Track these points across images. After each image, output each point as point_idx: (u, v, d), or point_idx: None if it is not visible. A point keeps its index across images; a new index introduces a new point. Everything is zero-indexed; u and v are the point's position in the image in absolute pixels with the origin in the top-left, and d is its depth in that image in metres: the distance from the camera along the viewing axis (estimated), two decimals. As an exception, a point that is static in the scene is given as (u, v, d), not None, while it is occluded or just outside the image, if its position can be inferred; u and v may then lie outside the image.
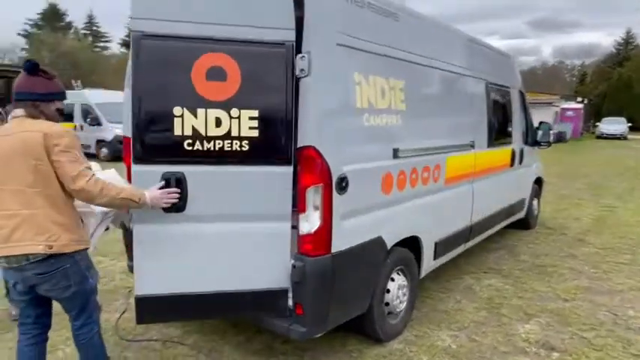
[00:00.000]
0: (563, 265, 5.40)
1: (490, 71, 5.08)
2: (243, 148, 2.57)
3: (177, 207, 2.57)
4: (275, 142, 2.65)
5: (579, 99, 38.52)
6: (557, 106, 33.42)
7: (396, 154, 3.34)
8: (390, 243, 3.35)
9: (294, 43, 2.63)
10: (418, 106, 3.65)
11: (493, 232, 5.73)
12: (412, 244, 3.77)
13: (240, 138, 2.56)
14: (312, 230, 2.72)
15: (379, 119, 3.16)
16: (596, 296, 4.47)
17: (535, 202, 7.09)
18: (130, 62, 2.64)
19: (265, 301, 2.77)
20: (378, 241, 3.22)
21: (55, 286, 2.34)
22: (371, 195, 3.14)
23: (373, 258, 3.20)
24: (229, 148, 2.55)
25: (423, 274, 4.01)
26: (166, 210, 2.56)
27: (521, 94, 6.36)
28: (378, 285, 3.31)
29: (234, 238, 2.69)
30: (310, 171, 2.69)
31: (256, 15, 2.57)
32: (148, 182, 2.51)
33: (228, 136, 2.53)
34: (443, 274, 5.03)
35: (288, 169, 2.69)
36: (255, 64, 2.56)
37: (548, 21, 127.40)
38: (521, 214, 6.57)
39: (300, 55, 2.64)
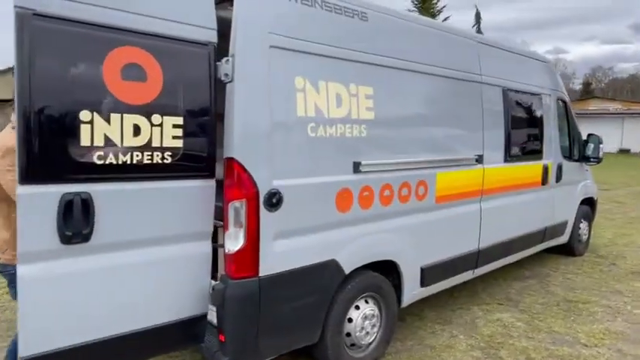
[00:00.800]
0: (600, 302, 4.61)
1: (511, 76, 4.50)
2: (166, 161, 2.34)
3: (83, 236, 2.13)
4: (199, 154, 2.45)
5: (681, 109, 34.21)
6: (653, 117, 29.92)
7: (357, 168, 2.99)
8: (349, 267, 3.00)
9: (216, 45, 2.43)
10: (393, 116, 3.27)
11: (520, 258, 5.06)
12: (389, 268, 3.38)
13: (162, 149, 2.32)
14: (235, 250, 2.48)
15: (332, 129, 2.84)
16: (627, 345, 3.72)
17: (583, 225, 6.20)
18: (15, 49, 1.99)
19: (187, 331, 2.54)
20: (331, 265, 2.89)
21: None
22: (319, 213, 2.82)
23: (322, 283, 2.87)
24: (149, 161, 2.28)
25: (406, 302, 3.58)
26: (65, 241, 2.10)
27: (563, 103, 5.61)
28: (332, 313, 2.97)
29: (149, 266, 2.35)
30: (232, 185, 2.46)
31: (179, 8, 2.34)
32: (39, 208, 2.03)
33: (148, 146, 2.28)
34: (449, 303, 4.50)
35: (210, 183, 2.48)
36: (178, 64, 2.34)
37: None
38: (562, 239, 5.76)
39: (224, 59, 2.43)
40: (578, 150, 5.88)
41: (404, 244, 3.42)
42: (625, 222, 8.57)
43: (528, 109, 4.82)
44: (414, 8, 28.42)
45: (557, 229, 5.52)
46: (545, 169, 5.05)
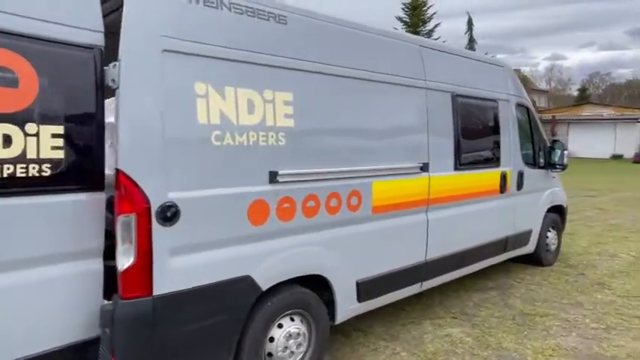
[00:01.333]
0: (558, 315, 4.42)
1: (461, 82, 4.35)
2: (44, 173, 2.19)
3: None
4: (85, 165, 2.29)
5: (677, 114, 34.16)
6: (646, 123, 29.83)
7: (274, 178, 2.84)
8: (267, 283, 2.83)
9: (103, 49, 2.29)
10: (318, 123, 3.11)
11: (478, 269, 4.88)
12: (320, 283, 3.21)
13: (39, 160, 2.17)
14: (124, 267, 2.31)
15: (243, 138, 2.69)
16: (575, 362, 3.54)
17: (552, 234, 6.03)
18: None
19: (78, 356, 2.36)
20: (244, 281, 2.72)
21: None
22: (227, 227, 2.65)
23: (233, 301, 2.70)
24: (24, 174, 2.12)
25: (341, 318, 3.40)
26: None
27: (524, 109, 5.47)
28: (248, 333, 2.80)
29: (29, 289, 2.16)
30: (121, 199, 2.29)
31: (58, 8, 2.18)
32: None
33: (22, 158, 2.12)
34: (401, 317, 4.32)
35: (99, 196, 2.33)
36: (57, 68, 2.20)
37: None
38: (527, 249, 5.59)
39: (112, 64, 2.29)
40: (544, 157, 5.73)
41: (335, 257, 3.25)
42: (603, 229, 8.39)
43: (482, 116, 4.68)
44: (405, 16, 28.45)
45: (520, 239, 5.35)
46: (504, 177, 4.89)
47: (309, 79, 3.06)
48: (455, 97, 4.24)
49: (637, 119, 30.34)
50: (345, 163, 3.27)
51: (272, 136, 2.83)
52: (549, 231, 5.99)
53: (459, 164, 4.27)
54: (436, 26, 28.29)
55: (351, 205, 3.32)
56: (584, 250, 6.86)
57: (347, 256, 3.33)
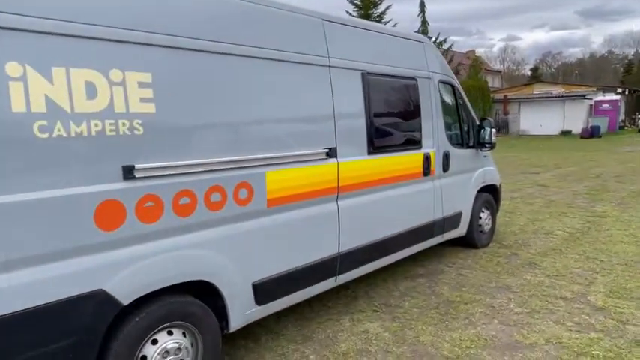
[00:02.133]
0: (483, 301, 4.24)
1: (373, 59, 4.03)
2: None
3: None
4: None
5: (619, 90, 35.57)
6: (591, 99, 30.87)
7: (130, 174, 2.42)
8: (129, 296, 2.44)
9: None
10: (190, 108, 2.71)
11: (404, 256, 4.65)
12: (207, 289, 2.85)
13: None
14: None
15: (82, 127, 2.25)
16: (492, 352, 3.34)
17: (485, 215, 5.89)
18: None
19: None
20: (95, 297, 2.31)
21: None
22: (66, 235, 2.23)
23: (82, 320, 2.29)
24: None
25: (237, 325, 3.06)
26: None
27: (450, 87, 5.23)
28: (110, 354, 2.41)
29: None
30: None
31: None
32: None
33: None
34: (320, 314, 4.03)
35: None
36: None
37: (598, 10, 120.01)
38: (458, 231, 5.41)
39: None
40: (473, 136, 5.54)
41: (222, 259, 2.88)
42: (542, 206, 8.41)
43: (399, 95, 4.39)
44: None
45: (450, 222, 5.15)
46: (427, 159, 4.64)
47: (176, 57, 2.64)
48: (366, 75, 3.92)
49: (584, 96, 31.33)
50: (228, 152, 2.89)
51: (124, 125, 2.40)
52: (482, 212, 5.84)
53: (373, 148, 3.98)
54: (387, 8, 28.11)
55: (239, 200, 2.96)
56: (521, 229, 6.80)
57: (238, 256, 2.98)
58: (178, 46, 2.65)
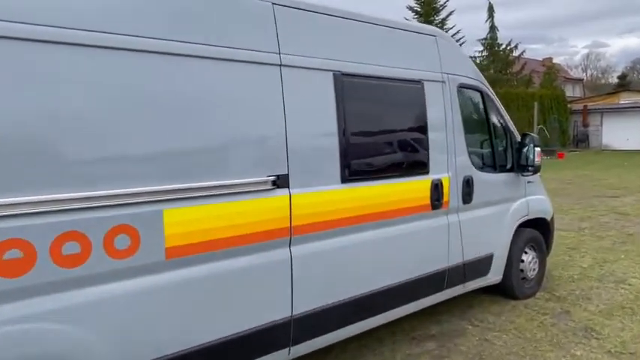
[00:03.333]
0: (506, 388, 3.05)
1: (352, 55, 3.04)
2: None
3: None
4: None
5: None
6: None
7: None
8: None
9: None
10: (44, 120, 1.92)
11: (400, 316, 3.54)
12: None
13: None
14: None
15: None
16: None
17: (529, 256, 4.58)
18: None
19: None
20: None
21: None
22: None
23: None
24: None
25: None
26: None
27: (478, 94, 4.08)
28: None
29: None
30: None
31: None
32: None
33: None
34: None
35: None
36: None
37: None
38: (489, 279, 4.19)
39: None
40: (511, 156, 4.31)
41: (82, 335, 2.04)
42: (617, 242, 6.77)
43: (394, 103, 3.33)
44: (416, 5, 26.78)
45: (473, 268, 3.96)
46: (437, 187, 3.52)
47: (18, 53, 1.87)
48: (340, 77, 2.94)
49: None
50: (95, 185, 2.05)
51: None
52: (525, 253, 4.55)
53: (350, 174, 2.97)
54: (450, 14, 26.49)
55: (114, 250, 2.10)
56: (582, 274, 5.33)
57: (114, 330, 2.12)
58: (42, 38, 1.90)
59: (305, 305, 2.79)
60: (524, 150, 4.21)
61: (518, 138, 4.34)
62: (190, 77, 2.34)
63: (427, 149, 3.48)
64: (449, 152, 3.67)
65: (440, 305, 4.01)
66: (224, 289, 2.47)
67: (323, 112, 2.88)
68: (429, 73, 3.55)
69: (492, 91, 4.26)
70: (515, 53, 31.53)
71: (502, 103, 4.39)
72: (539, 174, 4.77)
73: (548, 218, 4.81)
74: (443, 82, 3.67)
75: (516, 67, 31.87)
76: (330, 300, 2.92)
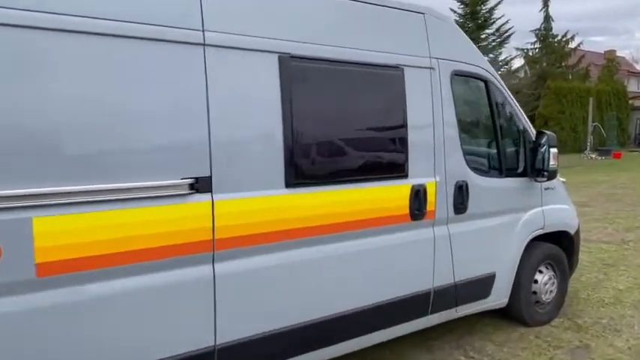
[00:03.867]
0: None
1: (311, 36, 2.54)
2: None
3: None
4: None
5: None
6: None
7: None
8: None
9: None
10: None
11: (371, 344, 3.00)
12: None
13: None
14: None
15: None
16: None
17: (545, 277, 3.87)
18: None
19: None
20: None
21: None
22: None
23: None
24: None
25: None
26: None
27: (479, 83, 3.44)
28: None
29: None
30: None
31: None
32: None
33: None
34: None
35: None
36: None
37: None
38: (489, 303, 3.54)
39: None
40: (524, 158, 3.63)
41: None
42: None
43: (363, 92, 2.76)
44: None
45: (468, 289, 3.34)
46: (417, 194, 2.94)
47: None
48: (288, 60, 2.44)
49: None
50: None
51: None
52: (539, 272, 3.86)
53: (297, 177, 2.47)
54: (498, 3, 24.90)
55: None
56: (616, 297, 4.52)
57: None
58: None
59: (231, 333, 2.33)
60: (540, 151, 3.52)
61: (532, 136, 3.65)
62: (76, 55, 1.93)
63: (405, 149, 2.90)
64: (436, 153, 3.07)
65: (435, 328, 3.44)
66: (119, 313, 2.05)
67: (263, 103, 2.39)
68: (411, 57, 2.96)
69: (502, 81, 3.58)
70: (572, 45, 29.35)
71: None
72: (561, 179, 4.05)
73: (572, 232, 4.07)
74: (431, 68, 3.06)
75: (573, 60, 29.65)
76: (268, 327, 2.44)
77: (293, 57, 2.46)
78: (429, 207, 3.03)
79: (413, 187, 2.93)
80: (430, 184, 3.03)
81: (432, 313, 3.18)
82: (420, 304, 3.10)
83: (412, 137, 2.93)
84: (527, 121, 3.72)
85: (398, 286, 2.96)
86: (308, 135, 2.53)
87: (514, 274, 3.63)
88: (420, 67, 3.00)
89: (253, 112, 2.37)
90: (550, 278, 3.92)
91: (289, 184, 2.45)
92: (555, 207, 3.91)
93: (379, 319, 2.89)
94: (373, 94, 2.81)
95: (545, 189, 3.80)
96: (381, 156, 2.87)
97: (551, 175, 3.53)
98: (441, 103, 3.10)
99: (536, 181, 3.64)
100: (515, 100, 3.66)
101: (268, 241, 2.41)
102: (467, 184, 3.21)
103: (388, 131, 2.89)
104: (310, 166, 2.55)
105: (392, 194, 2.87)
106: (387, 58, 2.83)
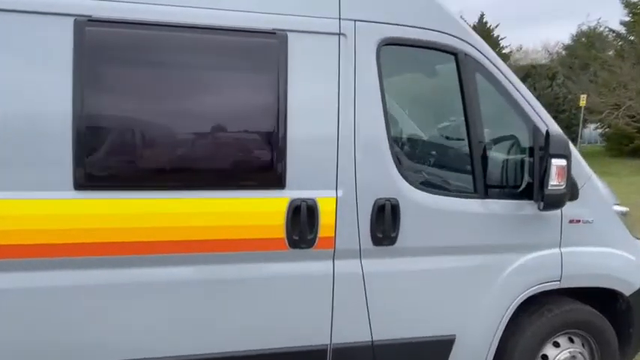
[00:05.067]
0: None
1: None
2: None
3: None
4: None
5: None
6: None
7: None
8: None
9: None
10: None
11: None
12: None
13: None
14: None
15: None
16: None
17: (565, 354, 2.53)
18: None
19: None
20: None
21: None
22: None
23: None
24: None
25: None
26: None
27: (451, 57, 2.32)
28: None
29: None
30: None
31: None
32: None
33: None
34: None
35: None
36: None
37: None
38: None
39: None
40: (521, 171, 2.36)
41: None
42: None
43: (207, 68, 2.02)
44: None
45: (398, 356, 2.32)
46: (298, 212, 2.08)
47: None
48: (85, 25, 1.86)
49: None
50: None
51: None
52: (556, 345, 2.53)
53: (92, 178, 1.89)
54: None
55: None
56: None
57: None
58: None
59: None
60: (536, 162, 2.24)
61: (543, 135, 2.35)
62: None
63: (282, 148, 2.05)
64: (340, 155, 2.14)
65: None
66: None
67: (44, 78, 1.87)
68: (303, 18, 2.08)
69: (492, 54, 2.37)
70: None
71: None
72: (621, 208, 2.63)
73: (627, 291, 2.60)
74: (341, 34, 2.13)
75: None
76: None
77: (94, 21, 1.88)
78: (324, 232, 2.14)
79: (292, 202, 2.09)
80: (325, 199, 2.13)
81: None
82: (310, 363, 2.24)
83: (295, 133, 2.07)
84: (544, 116, 2.43)
85: (268, 335, 2.16)
86: (114, 122, 1.95)
87: (493, 342, 2.43)
88: (318, 33, 2.10)
89: (25, 91, 1.86)
90: (575, 357, 2.57)
91: (80, 185, 1.90)
92: (591, 250, 2.52)
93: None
94: (228, 72, 2.06)
95: (571, 221, 2.46)
96: (238, 157, 2.10)
97: (550, 200, 2.22)
98: (355, 85, 2.14)
99: (543, 207, 2.35)
100: (519, 83, 2.41)
101: (47, 254, 1.91)
102: (397, 204, 2.20)
103: (250, 124, 2.09)
104: (115, 164, 1.96)
105: (256, 209, 2.08)
106: (255, 21, 2.03)
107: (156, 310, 2.03)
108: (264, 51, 2.05)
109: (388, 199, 2.19)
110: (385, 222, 2.18)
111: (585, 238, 2.51)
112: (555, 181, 2.16)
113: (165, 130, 2.01)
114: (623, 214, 2.65)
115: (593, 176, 2.59)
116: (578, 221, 2.48)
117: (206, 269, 2.07)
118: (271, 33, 2.05)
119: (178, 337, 2.06)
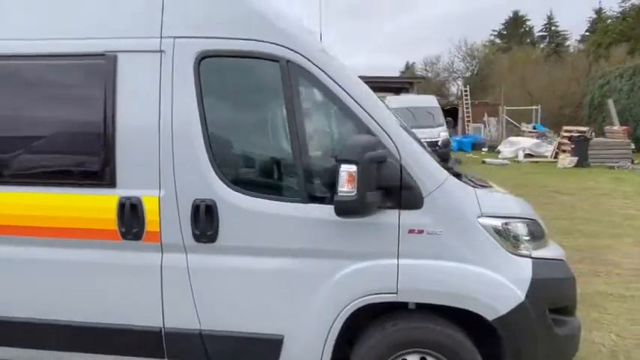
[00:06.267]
0: None
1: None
2: None
3: None
4: None
5: None
6: None
7: None
8: None
9: None
10: None
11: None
12: None
13: None
14: None
15: None
16: None
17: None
18: None
19: None
20: None
21: None
22: None
23: None
24: None
25: None
26: None
27: (274, 64, 2.38)
28: None
29: None
30: None
31: None
32: None
33: None
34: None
35: None
36: None
37: None
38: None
39: None
40: (334, 175, 2.26)
41: None
42: None
43: (50, 87, 2.50)
44: None
45: (225, 347, 2.47)
46: (124, 209, 2.38)
47: None
48: None
49: None
50: None
51: None
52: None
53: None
54: None
55: None
56: None
57: None
58: None
59: None
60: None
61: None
62: None
63: (112, 153, 2.40)
64: (162, 160, 2.38)
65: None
66: None
67: None
68: (129, 40, 2.39)
69: (322, 61, 2.33)
70: None
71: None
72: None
73: (489, 315, 2.29)
74: (161, 51, 2.38)
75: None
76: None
77: None
78: (150, 227, 2.43)
79: (120, 199, 2.42)
80: (149, 198, 2.41)
81: (168, 358, 2.54)
82: (150, 342, 2.52)
83: (123, 140, 2.40)
84: (382, 121, 2.31)
85: (108, 311, 2.52)
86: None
87: (326, 347, 2.40)
88: (143, 52, 2.40)
89: None
90: (421, 382, 2.37)
91: None
92: (439, 264, 2.31)
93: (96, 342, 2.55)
94: (67, 90, 2.50)
95: (411, 231, 2.30)
96: (78, 161, 2.52)
97: (340, 207, 2.12)
98: (172, 95, 2.37)
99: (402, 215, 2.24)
100: (356, 88, 2.34)
101: None
102: (213, 205, 2.36)
103: (86, 134, 2.47)
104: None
105: (93, 204, 2.46)
106: (90, 46, 2.41)
107: (16, 281, 2.55)
108: (96, 71, 2.43)
109: (204, 200, 2.37)
110: (202, 221, 2.37)
111: (430, 250, 2.31)
112: (345, 188, 2.09)
113: (16, 138, 2.52)
114: (505, 226, 2.35)
115: (452, 183, 2.36)
116: (421, 231, 2.31)
117: (59, 251, 2.52)
118: (101, 55, 2.41)
119: (32, 304, 2.55)
